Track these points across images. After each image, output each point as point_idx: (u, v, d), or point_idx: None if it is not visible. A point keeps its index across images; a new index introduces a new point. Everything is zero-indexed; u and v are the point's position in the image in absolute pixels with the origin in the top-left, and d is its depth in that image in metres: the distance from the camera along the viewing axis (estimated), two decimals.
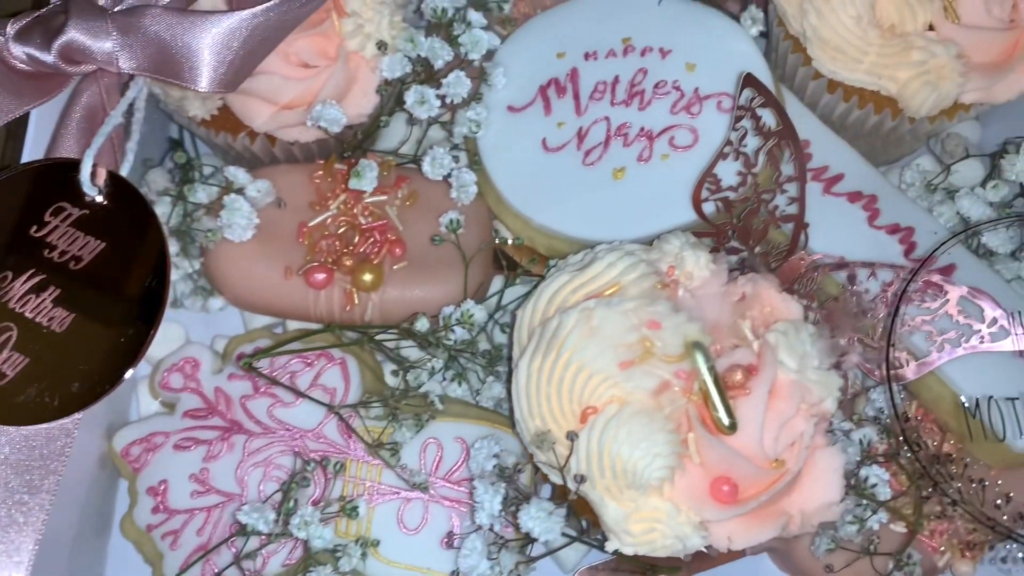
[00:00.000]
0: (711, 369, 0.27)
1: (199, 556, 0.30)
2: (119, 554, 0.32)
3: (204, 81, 0.28)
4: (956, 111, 0.37)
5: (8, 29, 0.27)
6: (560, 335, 0.27)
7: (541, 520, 0.27)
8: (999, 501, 0.31)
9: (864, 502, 0.31)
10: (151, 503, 0.30)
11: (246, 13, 0.28)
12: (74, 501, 0.28)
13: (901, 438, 0.30)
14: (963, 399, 0.31)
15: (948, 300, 0.33)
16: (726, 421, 0.27)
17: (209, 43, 0.28)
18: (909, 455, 0.30)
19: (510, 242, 0.36)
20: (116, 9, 0.28)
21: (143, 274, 0.27)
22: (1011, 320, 0.32)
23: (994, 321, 0.32)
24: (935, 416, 0.34)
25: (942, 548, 0.33)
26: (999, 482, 0.33)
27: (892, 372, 0.31)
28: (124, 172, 0.27)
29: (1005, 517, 0.30)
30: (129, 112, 0.29)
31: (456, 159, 0.36)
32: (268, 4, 0.28)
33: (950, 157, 0.38)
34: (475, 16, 0.37)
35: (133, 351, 0.26)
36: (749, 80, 0.31)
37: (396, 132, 0.37)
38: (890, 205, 0.36)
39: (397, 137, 0.36)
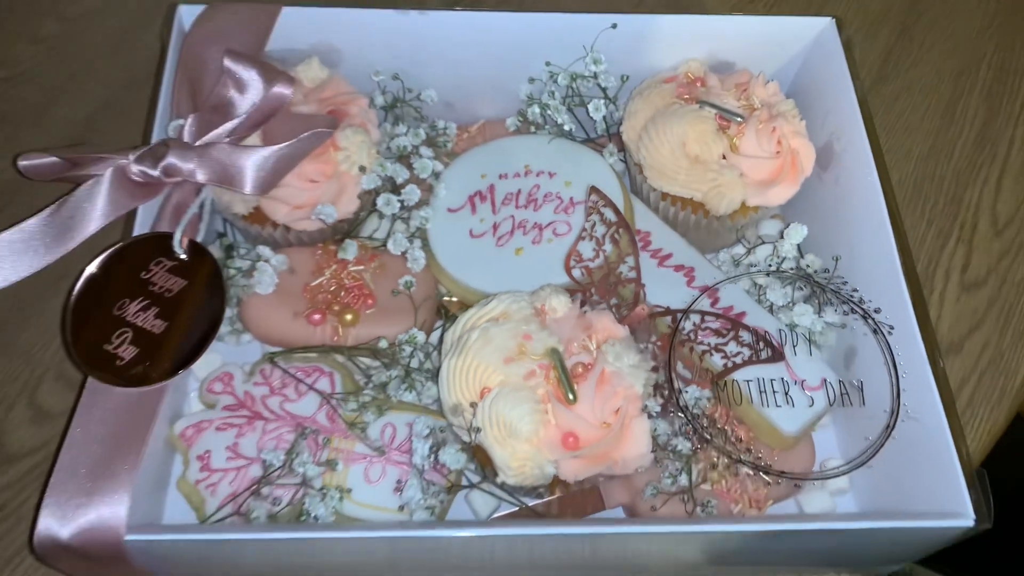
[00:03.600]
0: (562, 364, 0.42)
1: (230, 499, 0.44)
2: (173, 505, 0.45)
3: (248, 188, 0.44)
4: (747, 211, 0.52)
5: (131, 156, 0.43)
6: (467, 343, 0.42)
7: (452, 455, 0.41)
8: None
9: (679, 465, 0.45)
10: (199, 465, 0.44)
11: (276, 148, 0.44)
12: (150, 458, 0.42)
13: (688, 418, 0.42)
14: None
15: (732, 330, 0.48)
16: (571, 396, 0.41)
17: (251, 164, 0.44)
18: (699, 428, 0.43)
19: (445, 297, 0.51)
20: (196, 143, 0.44)
21: (207, 304, 0.42)
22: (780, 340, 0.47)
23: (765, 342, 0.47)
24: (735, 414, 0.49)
25: (736, 502, 0.47)
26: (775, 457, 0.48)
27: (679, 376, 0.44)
28: (199, 239, 0.43)
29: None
30: (200, 206, 0.45)
31: (411, 241, 0.49)
32: (290, 143, 0.44)
33: (748, 243, 0.54)
34: (426, 151, 0.53)
35: (197, 350, 0.41)
36: (593, 189, 0.47)
37: (371, 224, 0.50)
38: (702, 273, 0.51)
39: (372, 227, 0.50)
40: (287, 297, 0.47)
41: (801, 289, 0.48)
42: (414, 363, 0.46)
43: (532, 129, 0.54)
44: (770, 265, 0.49)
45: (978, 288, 0.55)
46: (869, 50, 0.65)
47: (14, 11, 0.62)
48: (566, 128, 0.53)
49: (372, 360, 0.46)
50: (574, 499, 0.45)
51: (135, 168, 0.42)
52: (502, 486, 0.41)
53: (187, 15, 0.49)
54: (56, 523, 0.36)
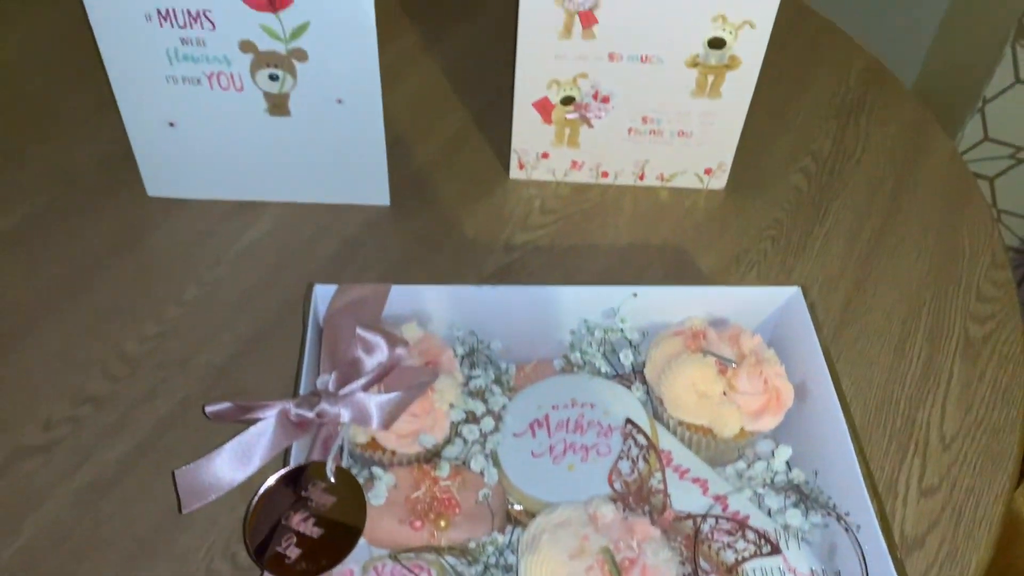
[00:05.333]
0: (613, 560, 0.55)
1: None
2: None
3: (375, 425, 0.59)
4: (745, 435, 0.67)
5: (291, 403, 0.59)
6: (540, 543, 0.55)
7: None
8: None
9: None
10: None
11: (395, 394, 0.60)
12: None
13: None
14: None
15: (740, 530, 0.61)
16: None
17: (378, 407, 0.60)
18: None
19: (515, 506, 0.66)
20: (340, 393, 0.60)
21: (352, 515, 0.56)
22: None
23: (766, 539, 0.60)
24: None
25: None
26: None
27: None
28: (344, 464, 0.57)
29: None
30: (342, 440, 0.60)
31: (487, 461, 0.65)
32: (406, 391, 0.60)
33: (748, 459, 0.69)
34: (496, 388, 0.70)
35: (344, 551, 0.54)
36: (628, 421, 0.62)
37: (457, 448, 0.67)
38: (714, 484, 0.65)
39: (458, 450, 0.65)
40: (393, 507, 0.61)
41: (790, 497, 0.62)
42: (492, 560, 0.59)
43: (574, 369, 0.70)
44: (766, 479, 0.63)
45: (933, 493, 0.69)
46: (832, 300, 0.82)
47: (165, 278, 0.80)
48: (601, 369, 0.69)
49: (460, 558, 0.60)
50: None
51: (295, 412, 0.57)
52: None
53: (320, 293, 0.66)
54: None
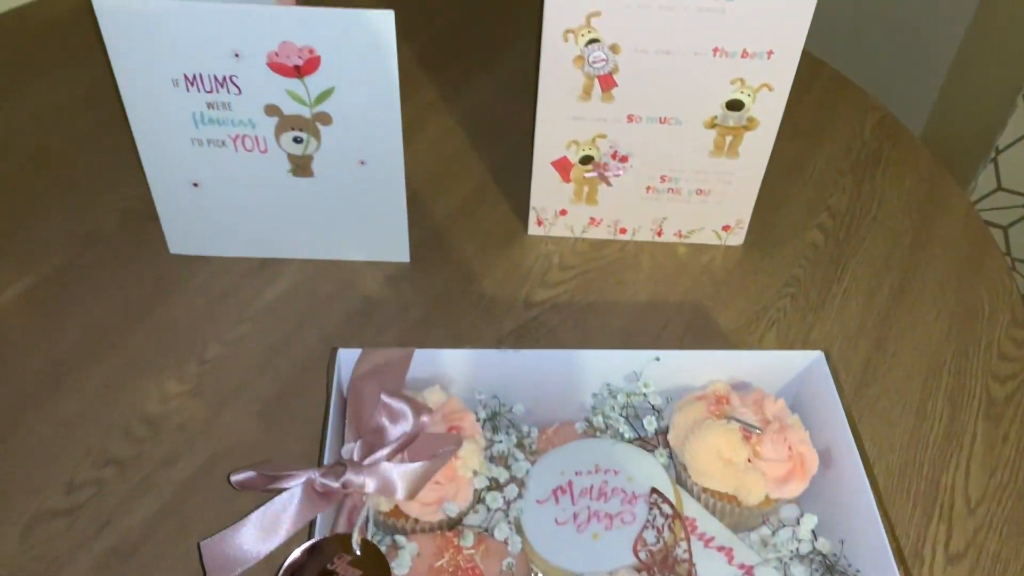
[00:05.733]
0: None
1: None
2: None
3: (400, 495, 0.59)
4: (770, 502, 0.67)
5: (315, 472, 0.59)
6: None
7: None
8: None
9: None
10: None
11: (420, 464, 0.60)
12: None
13: None
14: None
15: None
16: None
17: (403, 477, 0.60)
18: None
19: (538, 575, 0.65)
20: (364, 463, 0.60)
21: None
22: None
23: None
24: None
25: None
26: None
27: None
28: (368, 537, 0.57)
29: None
30: (367, 511, 0.60)
31: (510, 529, 0.66)
32: (432, 460, 0.60)
33: (772, 526, 0.68)
34: (518, 452, 0.70)
35: None
36: (653, 490, 0.62)
37: (481, 515, 0.67)
38: (739, 552, 0.65)
39: (481, 518, 0.66)
40: (417, 573, 0.61)
41: (816, 567, 0.62)
42: None
43: (596, 433, 0.70)
44: (792, 548, 0.63)
45: (960, 560, 0.68)
46: (852, 359, 0.82)
47: (187, 337, 0.80)
48: (624, 434, 0.69)
49: None
50: None
51: (319, 481, 0.57)
52: None
53: (344, 358, 0.66)
54: None
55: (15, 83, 1.05)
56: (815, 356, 0.69)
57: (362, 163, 0.79)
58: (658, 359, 0.68)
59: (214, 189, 0.81)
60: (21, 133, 0.99)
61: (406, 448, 0.60)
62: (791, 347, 0.82)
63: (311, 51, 0.71)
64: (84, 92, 1.04)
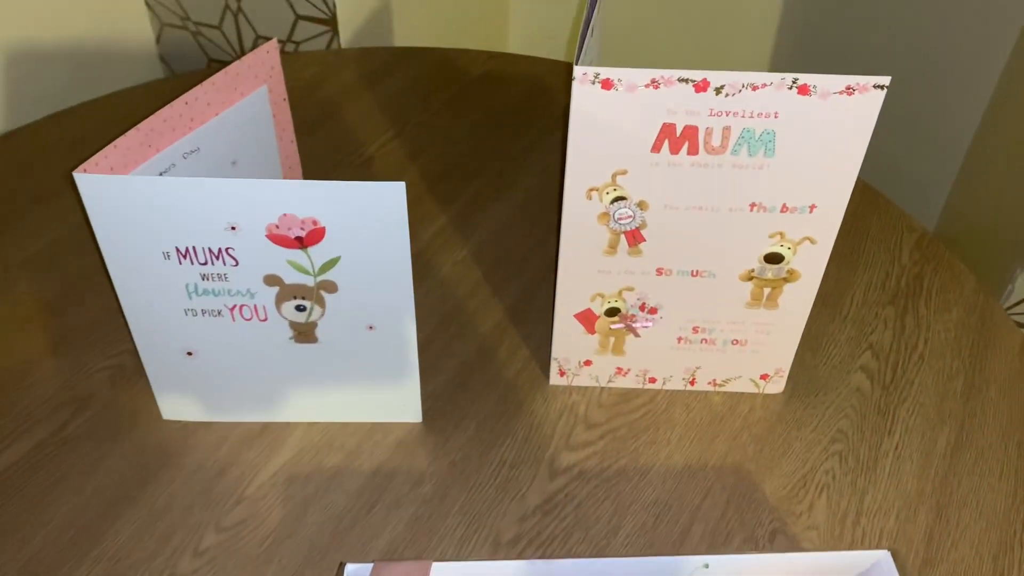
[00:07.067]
0: None
1: None
2: None
3: None
4: None
5: None
6: None
7: None
8: None
9: None
10: None
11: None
12: None
13: None
14: None
15: None
16: None
17: None
18: None
19: None
20: None
21: None
22: None
23: None
24: None
25: None
26: None
27: None
28: None
29: None
30: None
31: None
32: None
33: None
34: None
35: None
36: None
37: None
38: None
39: None
40: None
41: None
42: None
43: None
44: None
45: None
46: (912, 532, 0.74)
47: (180, 523, 0.73)
48: None
49: None
50: None
51: None
52: None
53: (352, 573, 0.59)
54: None
55: None
56: (881, 556, 0.62)
57: (370, 328, 0.73)
58: (707, 566, 0.61)
59: (210, 358, 0.75)
60: None
61: None
62: (844, 518, 0.75)
63: (315, 222, 0.65)
64: (76, 238, 0.98)
